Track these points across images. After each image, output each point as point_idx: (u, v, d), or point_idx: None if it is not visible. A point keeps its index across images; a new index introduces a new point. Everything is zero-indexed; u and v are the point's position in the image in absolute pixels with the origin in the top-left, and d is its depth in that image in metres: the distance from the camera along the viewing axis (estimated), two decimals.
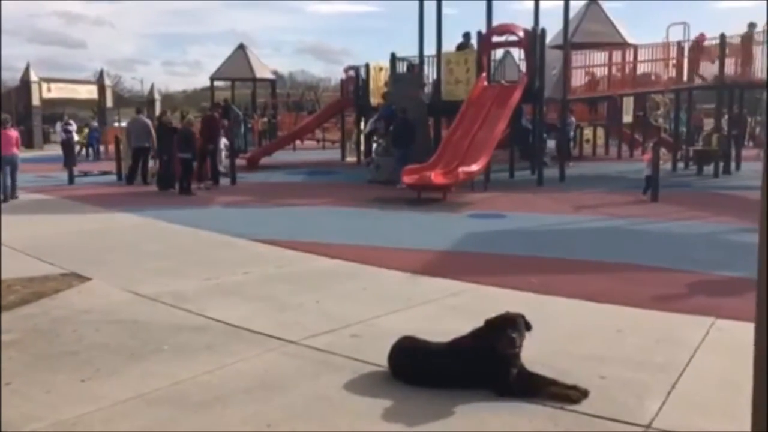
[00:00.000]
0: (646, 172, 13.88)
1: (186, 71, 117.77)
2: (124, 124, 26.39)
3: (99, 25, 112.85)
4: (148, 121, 18.09)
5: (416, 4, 18.40)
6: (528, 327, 4.05)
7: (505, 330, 3.94)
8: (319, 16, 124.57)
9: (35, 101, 33.32)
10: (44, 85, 34.12)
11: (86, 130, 28.28)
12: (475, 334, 4.14)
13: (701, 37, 19.12)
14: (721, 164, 18.31)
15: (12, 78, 42.16)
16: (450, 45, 18.83)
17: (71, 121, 26.20)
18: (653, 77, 19.81)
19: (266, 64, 33.44)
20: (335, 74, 59.76)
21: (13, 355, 4.64)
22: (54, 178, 17.50)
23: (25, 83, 33.55)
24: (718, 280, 7.01)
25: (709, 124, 22.91)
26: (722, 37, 18.21)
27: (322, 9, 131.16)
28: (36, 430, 3.55)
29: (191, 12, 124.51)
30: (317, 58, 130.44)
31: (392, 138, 16.37)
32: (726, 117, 19.66)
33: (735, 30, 18.18)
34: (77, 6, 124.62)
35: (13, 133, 14.52)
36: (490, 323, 4.06)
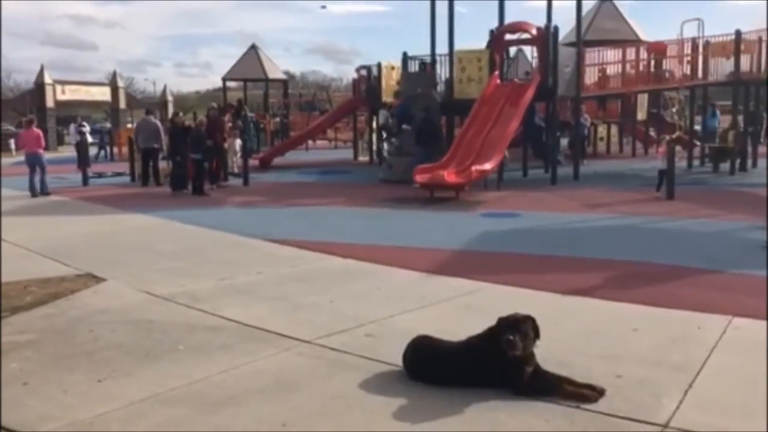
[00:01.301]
0: (660, 166, 13.80)
1: (197, 72, 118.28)
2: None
3: (110, 27, 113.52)
4: (158, 122, 18.15)
5: (426, 3, 18.38)
6: (536, 333, 4.01)
7: (505, 333, 3.92)
8: (328, 17, 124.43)
9: (49, 103, 33.61)
10: (58, 88, 34.44)
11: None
12: (489, 333, 4.12)
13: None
14: (738, 161, 18.16)
15: (26, 81, 42.61)
16: (461, 44, 18.80)
17: (85, 123, 26.42)
18: (667, 74, 19.67)
19: (277, 64, 33.52)
20: (346, 74, 59.86)
21: (30, 355, 4.68)
22: (68, 180, 17.62)
23: (39, 86, 33.84)
24: (734, 278, 6.94)
25: (725, 121, 22.71)
26: (737, 33, 18.05)
27: (331, 9, 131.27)
28: (53, 430, 3.57)
29: (200, 13, 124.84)
30: (327, 59, 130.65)
31: (416, 136, 16.33)
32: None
33: (748, 27, 18.07)
34: (88, 9, 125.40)
35: (34, 133, 15.34)
36: (501, 322, 4.05)
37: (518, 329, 3.94)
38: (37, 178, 14.75)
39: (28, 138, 15.25)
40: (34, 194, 14.60)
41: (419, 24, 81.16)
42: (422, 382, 4.08)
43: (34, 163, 14.83)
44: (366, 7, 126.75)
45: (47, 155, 16.25)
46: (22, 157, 16.56)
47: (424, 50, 19.00)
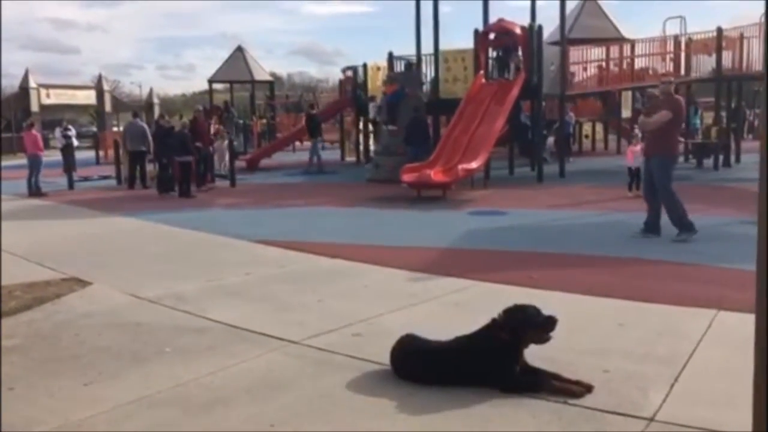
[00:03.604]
0: (628, 163, 13.85)
1: (180, 75, 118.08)
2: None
3: (91, 30, 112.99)
4: (145, 125, 18.18)
5: (410, 3, 18.43)
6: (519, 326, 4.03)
7: (497, 330, 3.98)
8: (311, 18, 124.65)
9: (34, 107, 33.37)
10: (43, 91, 34.23)
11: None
12: (480, 331, 4.12)
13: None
14: (721, 157, 18.30)
15: (10, 85, 42.25)
16: (445, 43, 18.85)
17: (70, 126, 26.17)
18: (651, 71, 19.79)
19: (262, 66, 33.43)
20: (332, 75, 59.79)
21: (16, 360, 4.64)
22: (54, 183, 17.48)
23: (24, 90, 33.61)
24: (720, 272, 7.00)
25: (707, 117, 22.91)
26: (719, 30, 18.19)
27: (316, 10, 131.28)
28: None
29: (182, 15, 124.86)
30: (310, 60, 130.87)
31: (405, 136, 16.32)
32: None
33: (728, 24, 18.22)
34: (68, 12, 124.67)
35: (33, 135, 16.56)
36: (499, 317, 4.07)
37: (506, 325, 3.99)
38: (34, 178, 15.80)
39: (27, 140, 16.44)
40: (30, 193, 15.54)
41: (403, 24, 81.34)
42: (409, 381, 4.08)
43: (32, 163, 15.95)
44: (348, 8, 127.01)
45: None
46: (10, 162, 17.06)
47: (407, 50, 19.07)
